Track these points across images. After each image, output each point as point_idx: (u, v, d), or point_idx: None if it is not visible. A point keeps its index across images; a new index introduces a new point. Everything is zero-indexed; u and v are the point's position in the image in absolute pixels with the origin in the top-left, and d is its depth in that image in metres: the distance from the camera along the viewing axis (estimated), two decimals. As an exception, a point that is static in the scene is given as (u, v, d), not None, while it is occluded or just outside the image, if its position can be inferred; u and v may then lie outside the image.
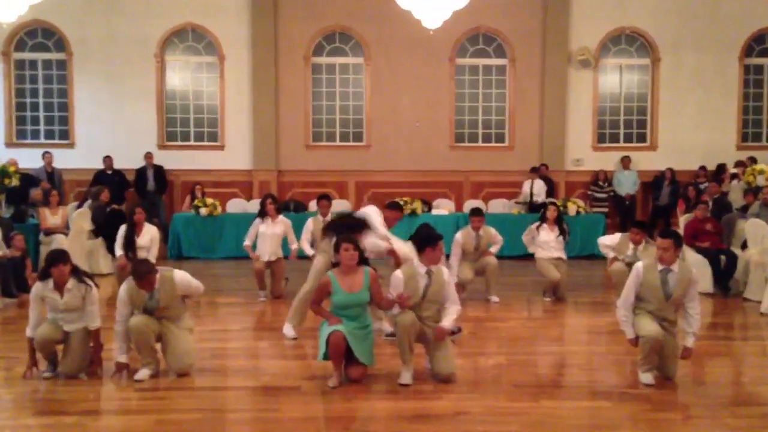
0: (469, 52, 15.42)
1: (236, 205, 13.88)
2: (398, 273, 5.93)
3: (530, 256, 9.71)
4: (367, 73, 15.25)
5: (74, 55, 14.85)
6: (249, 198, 14.45)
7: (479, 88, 15.54)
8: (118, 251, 9.09)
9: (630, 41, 15.53)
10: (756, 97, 15.72)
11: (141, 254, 8.88)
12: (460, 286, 8.57)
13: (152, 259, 8.70)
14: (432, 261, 5.91)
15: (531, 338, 7.51)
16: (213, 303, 9.13)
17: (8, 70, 14.89)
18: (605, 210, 14.39)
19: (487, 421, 5.06)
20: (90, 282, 6.00)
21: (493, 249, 9.27)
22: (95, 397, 5.68)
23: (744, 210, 11.14)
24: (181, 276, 6.18)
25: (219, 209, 12.84)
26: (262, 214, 9.45)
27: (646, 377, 5.80)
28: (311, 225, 9.00)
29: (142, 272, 5.91)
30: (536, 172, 14.18)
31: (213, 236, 12.64)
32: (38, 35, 14.95)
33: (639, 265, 5.94)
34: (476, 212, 9.36)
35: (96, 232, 11.26)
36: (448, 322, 5.90)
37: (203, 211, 12.67)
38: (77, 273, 5.98)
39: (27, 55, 15.01)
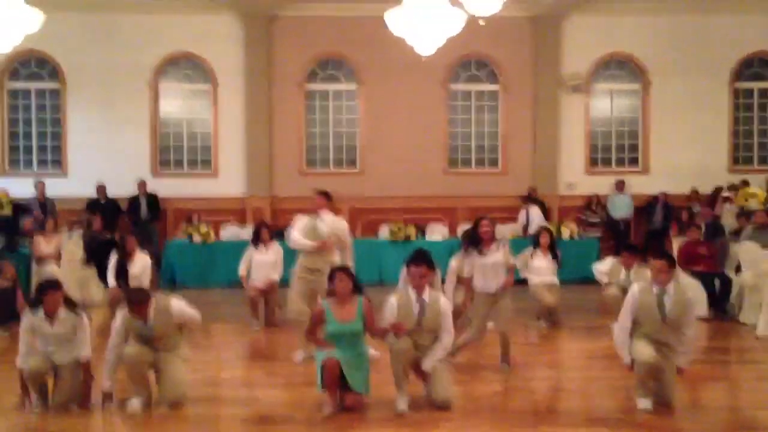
0: (462, 77, 15.52)
1: (230, 232, 13.82)
2: (392, 299, 5.92)
3: (524, 282, 9.68)
4: (361, 99, 15.32)
5: (68, 84, 14.87)
6: (243, 224, 14.39)
7: (472, 114, 15.61)
8: (111, 281, 9.04)
9: (620, 66, 15.65)
10: (746, 121, 15.82)
11: (133, 283, 8.83)
12: (456, 313, 8.51)
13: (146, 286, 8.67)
14: (412, 282, 5.91)
15: (527, 364, 7.46)
16: (206, 331, 9.04)
17: (1, 99, 14.88)
18: (599, 234, 14.39)
19: (484, 450, 5.00)
20: (81, 312, 5.95)
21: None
22: (86, 429, 5.61)
23: (737, 233, 11.15)
24: (178, 304, 6.13)
25: (213, 236, 12.78)
26: (256, 241, 9.42)
27: (644, 402, 5.75)
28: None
29: (135, 300, 5.87)
30: (530, 199, 14.17)
31: (207, 264, 12.56)
32: (32, 65, 14.98)
33: (635, 289, 5.92)
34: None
35: (88, 261, 11.20)
36: (428, 363, 5.84)
37: (196, 238, 12.62)
38: (69, 303, 5.94)
39: (20, 85, 15.02)
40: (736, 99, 15.71)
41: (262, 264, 9.34)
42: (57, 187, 14.09)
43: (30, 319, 5.88)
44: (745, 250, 9.92)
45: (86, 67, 14.75)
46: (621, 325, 5.89)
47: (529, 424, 5.54)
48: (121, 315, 5.96)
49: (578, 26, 15.29)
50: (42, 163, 15.06)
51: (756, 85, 15.74)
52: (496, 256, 6.96)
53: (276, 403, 6.04)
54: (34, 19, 9.60)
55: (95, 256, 11.00)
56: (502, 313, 7.03)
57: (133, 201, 14.30)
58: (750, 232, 10.57)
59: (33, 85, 15.02)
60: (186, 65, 15.16)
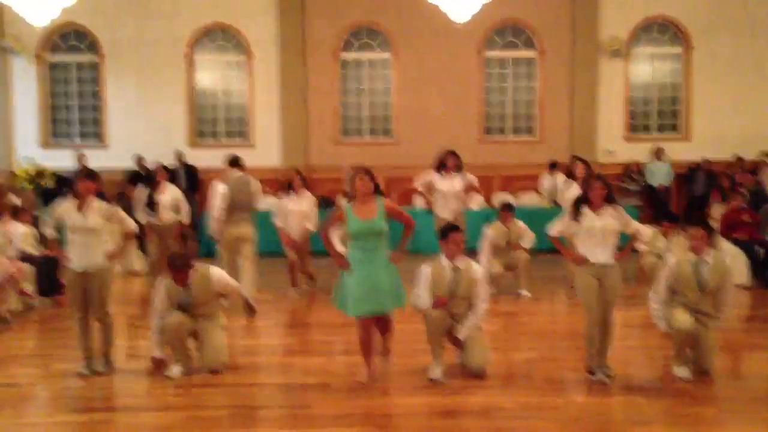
0: (498, 44, 15.29)
1: (267, 202, 13.92)
2: (425, 268, 5.92)
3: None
4: (395, 68, 15.21)
5: (106, 57, 15.03)
6: (279, 194, 14.48)
7: (508, 81, 15.40)
8: (139, 214, 9.12)
9: (661, 30, 15.26)
10: (793, 84, 15.34)
11: (164, 214, 8.96)
12: (491, 282, 8.52)
13: (185, 220, 9.20)
14: (448, 254, 5.87)
15: (562, 333, 7.43)
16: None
17: (43, 72, 15.12)
18: (638, 202, 14.17)
19: (520, 417, 5.02)
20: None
21: (525, 243, 9.20)
22: (128, 393, 5.75)
23: (781, 200, 10.90)
24: (219, 274, 6.22)
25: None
26: (289, 188, 9.35)
27: (682, 371, 5.70)
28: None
29: (177, 265, 5.96)
30: (556, 168, 13.88)
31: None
32: (71, 38, 15.16)
33: (671, 261, 5.86)
34: (506, 207, 9.31)
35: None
36: (463, 331, 5.84)
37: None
38: (102, 196, 6.13)
39: (60, 58, 15.22)
40: (783, 61, 15.22)
41: (294, 213, 9.23)
42: (97, 159, 14.32)
43: (60, 209, 6.07)
44: (789, 218, 9.70)
45: (123, 40, 14.88)
46: (657, 294, 5.83)
47: (564, 393, 5.53)
48: (163, 283, 6.06)
49: (617, -11, 14.93)
50: (83, 135, 15.30)
51: (803, 47, 15.22)
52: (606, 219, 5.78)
53: (312, 371, 6.10)
54: (71, -8, 9.70)
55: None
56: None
57: (172, 172, 14.45)
58: (794, 199, 10.32)
59: (73, 58, 15.21)
60: (220, 36, 15.19)
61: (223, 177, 8.68)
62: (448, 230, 5.97)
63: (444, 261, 5.88)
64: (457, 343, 5.91)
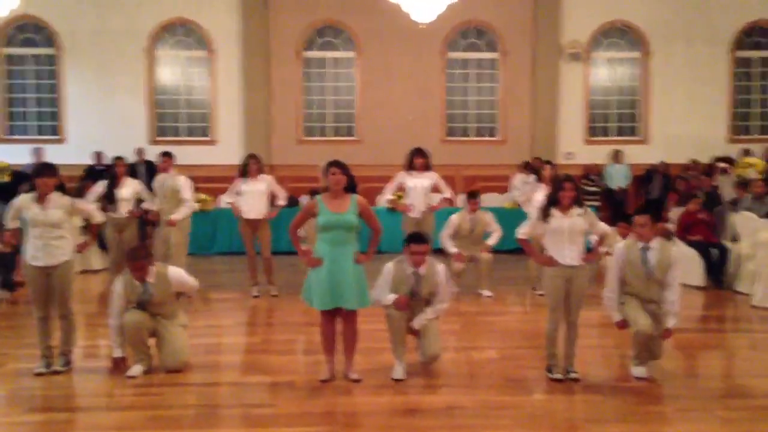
0: (460, 45, 15.40)
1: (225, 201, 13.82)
2: (389, 265, 5.96)
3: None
4: (359, 67, 15.21)
5: (65, 50, 14.75)
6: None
7: (470, 82, 15.52)
8: (86, 203, 8.92)
9: (621, 34, 15.54)
10: (746, 90, 15.74)
11: (122, 206, 8.85)
12: (453, 278, 8.58)
13: (154, 207, 9.22)
14: (410, 262, 5.90)
15: (523, 332, 7.53)
16: (206, 299, 9.12)
17: (-2, 65, 14.79)
18: (597, 203, 14.40)
19: (480, 415, 5.08)
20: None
21: (491, 240, 9.21)
22: (87, 393, 5.67)
23: (734, 203, 11.18)
24: (175, 272, 6.17)
25: (212, 205, 12.77)
26: (244, 173, 9.13)
27: (639, 371, 5.82)
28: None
29: (136, 257, 5.89)
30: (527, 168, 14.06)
31: (206, 232, 12.57)
32: (28, 30, 14.85)
33: (619, 246, 5.93)
34: (473, 195, 9.34)
35: (86, 228, 11.19)
36: (418, 321, 5.91)
37: (195, 206, 12.58)
38: (63, 189, 6.03)
39: (17, 51, 14.90)
40: (737, 68, 15.62)
41: (250, 194, 9.01)
42: (55, 154, 14.02)
43: (20, 201, 6.00)
44: (743, 220, 9.95)
45: (82, 33, 14.63)
46: (610, 282, 5.88)
47: (525, 391, 5.62)
48: (122, 279, 5.99)
49: (579, -7, 15.15)
50: (40, 129, 15.00)
51: (756, 54, 15.64)
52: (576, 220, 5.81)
53: (275, 370, 6.09)
54: (29, -16, 9.50)
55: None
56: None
57: (132, 168, 14.24)
58: (748, 202, 10.60)
59: (29, 51, 14.90)
60: (182, 32, 15.02)
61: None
62: (411, 240, 5.96)
63: (407, 266, 5.92)
64: (414, 332, 5.97)
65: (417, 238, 5.99)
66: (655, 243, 5.75)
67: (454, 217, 9.21)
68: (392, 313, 5.82)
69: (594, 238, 6.34)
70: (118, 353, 5.96)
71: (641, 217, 5.75)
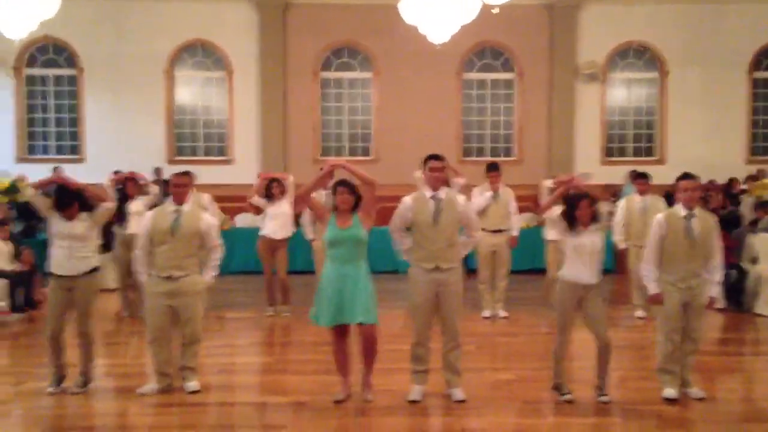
0: (477, 66, 15.46)
1: (245, 220, 13.88)
2: (407, 198, 5.83)
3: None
4: (375, 87, 15.30)
5: (85, 71, 14.96)
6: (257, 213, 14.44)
7: (487, 102, 15.56)
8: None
9: (638, 55, 15.53)
10: (764, 111, 15.66)
11: (133, 220, 8.88)
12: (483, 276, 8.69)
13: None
14: (428, 182, 5.72)
15: (539, 353, 7.46)
16: (221, 318, 9.14)
17: (20, 85, 15.02)
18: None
19: (495, 438, 5.03)
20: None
21: (513, 229, 9.03)
22: (104, 413, 5.68)
23: (754, 224, 11.07)
24: (210, 218, 6.32)
25: (228, 224, 12.83)
26: (269, 197, 9.26)
27: (670, 392, 5.66)
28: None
29: (184, 175, 6.06)
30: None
31: (222, 251, 12.56)
32: (49, 51, 15.09)
33: (660, 216, 5.74)
34: (493, 167, 9.00)
35: (104, 247, 11.26)
36: (465, 249, 5.77)
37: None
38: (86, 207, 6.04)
39: (38, 71, 15.14)
40: (755, 89, 15.55)
41: (273, 216, 9.15)
42: (75, 173, 14.12)
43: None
44: (762, 242, 9.85)
45: (102, 54, 14.85)
46: (649, 255, 5.70)
47: (541, 414, 5.56)
48: (152, 212, 6.06)
49: (595, 14, 15.18)
50: (60, 149, 15.19)
51: (775, 75, 15.57)
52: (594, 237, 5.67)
53: (288, 390, 6.08)
54: (50, 5, 9.65)
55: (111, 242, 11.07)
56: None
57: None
58: (767, 223, 10.49)
59: (50, 72, 15.13)
60: (201, 53, 15.21)
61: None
62: (429, 158, 5.79)
63: (426, 191, 5.74)
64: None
65: (434, 156, 5.82)
66: (698, 211, 5.65)
67: (476, 191, 9.03)
68: (415, 307, 5.68)
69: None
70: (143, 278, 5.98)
71: (689, 182, 5.60)
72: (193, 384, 5.91)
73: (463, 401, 5.60)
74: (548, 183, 8.69)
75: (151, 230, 5.88)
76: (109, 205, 6.20)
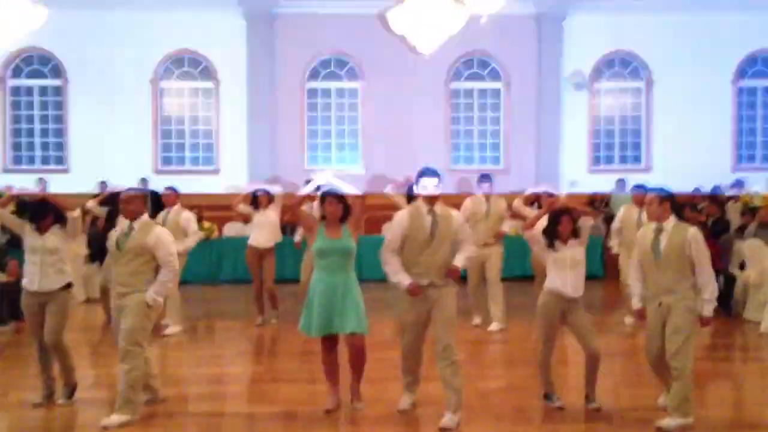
0: (464, 75, 15.51)
1: (233, 229, 13.82)
2: (402, 212, 5.67)
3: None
4: (363, 97, 15.31)
5: (70, 81, 14.89)
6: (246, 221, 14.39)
7: (474, 112, 15.60)
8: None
9: (623, 64, 15.63)
10: (749, 119, 15.81)
11: None
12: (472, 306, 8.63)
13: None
14: (425, 198, 5.56)
15: (529, 361, 7.43)
16: (210, 328, 9.07)
17: (4, 96, 14.91)
18: (603, 232, 14.31)
19: (487, 446, 5.00)
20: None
21: (504, 226, 9.01)
22: (89, 424, 5.59)
23: (741, 230, 11.12)
24: (165, 235, 5.66)
25: (216, 233, 12.76)
26: (255, 205, 9.23)
27: (662, 400, 5.58)
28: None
29: (138, 193, 5.75)
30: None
31: (210, 261, 12.54)
32: (34, 62, 15.00)
33: (641, 230, 5.66)
34: (483, 177, 9.01)
35: (92, 258, 11.19)
36: (460, 260, 5.48)
37: (200, 235, 12.57)
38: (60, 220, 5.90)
39: (23, 82, 15.05)
40: (740, 97, 15.68)
41: (261, 225, 9.12)
42: (60, 184, 14.08)
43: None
44: (750, 247, 9.89)
45: (88, 65, 14.77)
46: (632, 269, 5.60)
47: (532, 421, 5.54)
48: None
49: (581, 24, 15.27)
50: (45, 159, 15.09)
51: (759, 83, 15.71)
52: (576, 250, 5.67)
53: (279, 399, 6.02)
54: (36, 16, 9.61)
55: (99, 252, 10.98)
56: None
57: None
58: (754, 229, 10.54)
59: (35, 82, 15.04)
60: (188, 63, 15.17)
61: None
62: (423, 174, 5.65)
63: (422, 205, 5.57)
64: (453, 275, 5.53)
65: (429, 171, 5.69)
66: (669, 225, 5.33)
67: (468, 202, 8.92)
68: (404, 341, 5.62)
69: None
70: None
71: (648, 196, 5.50)
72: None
73: (448, 430, 5.26)
74: (518, 203, 8.72)
75: (111, 245, 5.76)
76: (73, 214, 6.08)
